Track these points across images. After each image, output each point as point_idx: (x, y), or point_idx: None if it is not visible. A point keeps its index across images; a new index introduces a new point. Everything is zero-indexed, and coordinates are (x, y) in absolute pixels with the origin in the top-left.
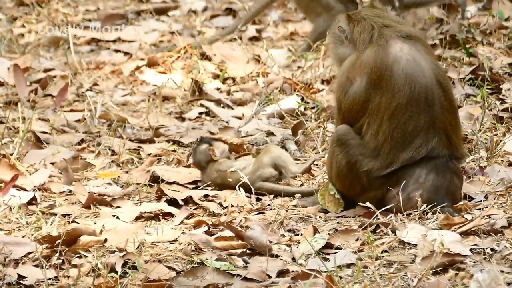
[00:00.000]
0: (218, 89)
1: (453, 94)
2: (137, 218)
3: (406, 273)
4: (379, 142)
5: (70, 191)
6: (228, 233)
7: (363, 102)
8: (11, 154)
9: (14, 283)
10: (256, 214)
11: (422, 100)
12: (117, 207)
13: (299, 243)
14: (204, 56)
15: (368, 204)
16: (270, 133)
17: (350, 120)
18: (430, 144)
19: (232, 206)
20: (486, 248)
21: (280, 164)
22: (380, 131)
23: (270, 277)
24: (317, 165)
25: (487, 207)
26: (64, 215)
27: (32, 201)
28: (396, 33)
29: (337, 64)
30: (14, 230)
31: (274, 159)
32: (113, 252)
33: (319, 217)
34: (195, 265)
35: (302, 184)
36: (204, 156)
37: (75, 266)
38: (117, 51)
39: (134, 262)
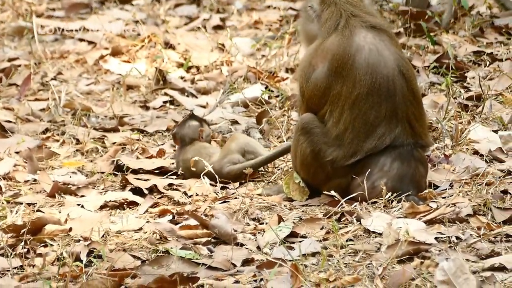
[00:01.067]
0: (182, 78)
1: (417, 84)
2: (101, 207)
3: (371, 261)
4: (340, 131)
5: (35, 180)
6: (193, 222)
7: (324, 89)
8: None
9: None
10: (221, 203)
11: (383, 90)
12: (82, 196)
13: (264, 231)
14: (168, 45)
15: (333, 192)
16: (235, 122)
17: (313, 108)
18: (394, 133)
19: (197, 195)
20: (451, 237)
21: (250, 150)
22: (341, 120)
23: (235, 266)
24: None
25: (452, 195)
26: (29, 204)
27: None
28: (362, 23)
29: (303, 40)
30: None
31: (242, 146)
32: (78, 241)
33: (284, 205)
34: (160, 254)
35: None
36: (192, 133)
37: (40, 255)
38: (81, 40)
39: (99, 251)
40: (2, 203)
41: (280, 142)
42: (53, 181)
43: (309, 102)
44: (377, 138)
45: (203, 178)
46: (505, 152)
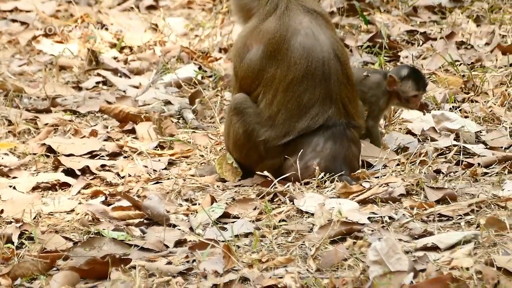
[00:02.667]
0: (115, 58)
1: (351, 68)
2: (34, 189)
3: (304, 242)
4: (273, 112)
5: None
6: (125, 203)
7: (258, 71)
8: None
9: None
10: (154, 183)
11: (318, 73)
12: (14, 177)
13: (197, 212)
14: (101, 26)
15: (266, 173)
16: (168, 102)
17: (247, 88)
18: (327, 113)
19: (130, 176)
20: (384, 217)
21: None
22: (274, 102)
23: (167, 247)
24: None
25: (385, 175)
26: None
27: None
28: (300, 7)
29: (239, 18)
30: None
31: None
32: (10, 223)
33: (217, 186)
34: (92, 236)
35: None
36: None
37: None
38: (13, 21)
39: (31, 233)
40: None
41: (213, 122)
42: None
43: (242, 83)
44: (310, 118)
45: (136, 159)
46: (438, 131)
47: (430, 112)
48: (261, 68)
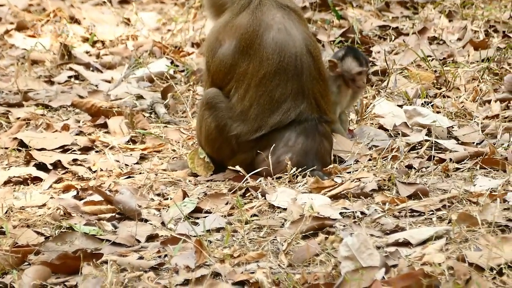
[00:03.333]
0: (87, 52)
1: (323, 63)
2: (5, 183)
3: (275, 237)
4: (245, 107)
5: None
6: (97, 197)
7: (230, 66)
8: None
9: None
10: (126, 178)
11: (291, 68)
12: None
13: (169, 207)
14: (73, 20)
15: (237, 167)
16: (140, 97)
17: (219, 83)
18: (299, 108)
19: (101, 170)
20: (356, 212)
21: None
22: (247, 96)
23: (139, 242)
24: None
25: (357, 170)
26: None
27: None
28: (273, 2)
29: (211, 12)
30: None
31: None
32: None
33: (189, 181)
34: (63, 230)
35: None
36: None
37: None
38: None
39: (2, 227)
40: None
41: (185, 117)
42: None
43: (214, 77)
44: (282, 113)
45: (108, 153)
46: (410, 126)
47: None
48: (234, 63)
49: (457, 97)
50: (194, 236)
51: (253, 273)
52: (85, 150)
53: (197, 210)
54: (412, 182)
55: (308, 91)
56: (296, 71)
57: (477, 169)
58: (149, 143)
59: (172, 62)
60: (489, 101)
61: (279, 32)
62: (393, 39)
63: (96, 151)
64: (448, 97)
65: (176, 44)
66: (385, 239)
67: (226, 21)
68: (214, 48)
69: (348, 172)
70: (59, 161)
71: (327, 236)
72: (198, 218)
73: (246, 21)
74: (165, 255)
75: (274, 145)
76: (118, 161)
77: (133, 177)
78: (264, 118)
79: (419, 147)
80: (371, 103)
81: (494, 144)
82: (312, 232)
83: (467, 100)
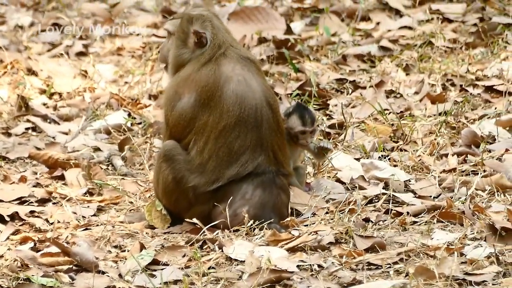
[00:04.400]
0: (44, 104)
1: (281, 115)
2: None
3: None
4: (204, 159)
5: None
6: (54, 249)
7: (190, 119)
8: None
9: None
10: (83, 230)
11: (251, 120)
12: None
13: (126, 259)
14: (31, 72)
15: (195, 220)
16: (97, 149)
17: (177, 136)
18: (257, 160)
19: (59, 222)
20: (313, 265)
21: None
22: (206, 149)
23: None
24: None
25: (314, 223)
26: None
27: None
28: (234, 54)
29: (173, 66)
30: None
31: None
32: None
33: (146, 233)
34: (21, 282)
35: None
36: None
37: None
38: None
39: None
40: None
41: (142, 169)
42: None
43: (173, 130)
44: (240, 165)
45: (65, 206)
46: (367, 180)
47: (327, 153)
48: (193, 116)
49: (414, 150)
50: None
51: None
52: (43, 202)
53: (155, 262)
54: (369, 235)
55: (266, 143)
56: (256, 123)
57: (434, 223)
58: (106, 195)
59: (129, 115)
60: (446, 155)
61: (239, 83)
62: (350, 92)
63: (54, 203)
64: (405, 150)
65: (134, 96)
66: None
67: (186, 74)
68: (173, 102)
69: (305, 225)
70: (17, 212)
71: None
72: (155, 270)
73: (207, 74)
74: None
75: (231, 197)
76: (75, 213)
77: (90, 229)
78: (221, 170)
79: (376, 200)
80: (328, 156)
81: (452, 198)
82: (269, 285)
83: (424, 153)
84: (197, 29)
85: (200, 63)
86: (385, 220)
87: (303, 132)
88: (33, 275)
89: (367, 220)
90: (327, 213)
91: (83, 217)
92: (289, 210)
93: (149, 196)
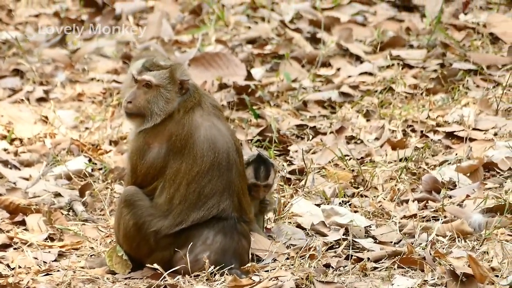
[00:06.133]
0: (5, 150)
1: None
2: None
3: None
4: (174, 205)
5: None
6: None
7: (161, 167)
8: None
9: None
10: (44, 275)
11: (223, 164)
12: None
13: None
14: None
15: (156, 265)
16: (58, 194)
17: (143, 183)
18: (222, 205)
19: (20, 267)
20: None
21: None
22: (176, 195)
23: None
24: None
25: (275, 268)
26: None
27: None
28: (208, 102)
29: (157, 116)
30: None
31: None
32: None
33: (107, 278)
34: None
35: None
36: None
37: None
38: None
39: None
40: None
41: (103, 215)
42: None
43: (140, 179)
44: (206, 209)
45: (26, 251)
46: (328, 225)
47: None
48: (164, 165)
49: (374, 196)
50: None
51: None
52: (4, 247)
53: None
54: (330, 281)
55: (234, 188)
56: (228, 166)
57: (395, 269)
58: (67, 241)
59: (90, 160)
60: (407, 201)
61: (209, 129)
62: (310, 138)
63: (15, 248)
64: (366, 196)
65: (94, 142)
66: None
67: (158, 125)
68: (142, 152)
69: (266, 271)
70: None
71: None
72: None
73: (178, 123)
74: None
75: (192, 243)
76: (36, 258)
77: (51, 274)
78: (187, 212)
79: (337, 246)
80: (289, 202)
81: (412, 244)
82: None
83: (385, 199)
84: (182, 78)
85: (181, 112)
86: (346, 266)
87: (255, 185)
88: None
89: (327, 266)
90: (287, 258)
91: (44, 262)
92: (250, 256)
93: (110, 242)
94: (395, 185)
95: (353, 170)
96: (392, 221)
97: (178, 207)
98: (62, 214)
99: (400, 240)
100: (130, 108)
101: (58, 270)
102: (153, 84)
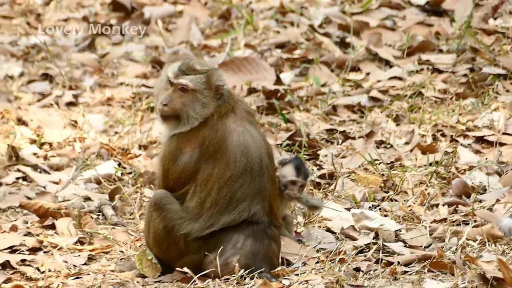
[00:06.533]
0: (35, 154)
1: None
2: None
3: None
4: (205, 209)
5: None
6: None
7: (192, 172)
8: None
9: None
10: (74, 279)
11: (256, 169)
12: None
13: None
14: (21, 121)
15: (185, 269)
16: (87, 198)
17: (174, 187)
18: (253, 209)
19: (50, 270)
20: None
21: None
22: (208, 199)
23: None
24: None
25: (305, 272)
26: None
27: None
28: (241, 108)
29: (193, 119)
30: None
31: None
32: None
33: (137, 282)
34: None
35: None
36: None
37: None
38: None
39: None
40: None
41: (133, 219)
42: None
43: (172, 183)
44: (237, 212)
45: (56, 255)
46: (358, 229)
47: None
48: (196, 170)
49: (404, 200)
50: None
51: None
52: (34, 250)
53: None
54: (360, 285)
55: (265, 193)
56: (260, 171)
57: (425, 272)
58: (97, 244)
59: (119, 164)
60: (437, 205)
61: (242, 134)
62: (340, 142)
63: (45, 252)
64: (396, 200)
65: (124, 146)
66: None
67: (191, 130)
68: (174, 156)
69: (296, 274)
70: (8, 261)
71: None
72: None
73: (210, 128)
74: None
75: (222, 246)
76: (66, 261)
77: (81, 277)
78: (218, 216)
79: (367, 250)
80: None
81: (442, 248)
82: None
83: (414, 203)
84: (218, 84)
85: (215, 117)
86: (376, 270)
87: (294, 182)
88: None
89: (357, 269)
90: (317, 262)
91: (74, 266)
92: (280, 260)
93: (139, 245)
94: (425, 189)
95: (383, 175)
96: (422, 225)
97: (209, 211)
98: (92, 218)
99: (430, 244)
100: (165, 111)
101: (88, 274)
102: (190, 88)
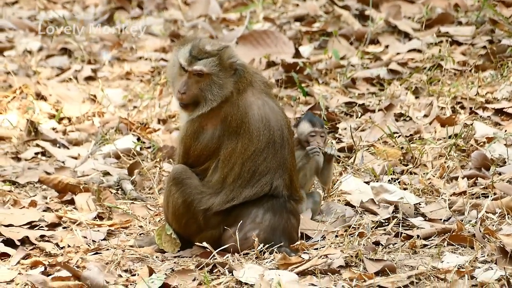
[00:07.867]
0: (54, 129)
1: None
2: None
3: None
4: (227, 184)
5: None
6: (65, 273)
7: (215, 149)
8: None
9: None
10: (93, 254)
11: (278, 142)
12: None
13: (136, 283)
14: (40, 96)
15: (205, 243)
16: (106, 173)
17: (194, 163)
18: (275, 182)
19: (69, 246)
20: None
21: None
22: (230, 174)
23: None
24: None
25: (324, 246)
26: None
27: None
28: (258, 81)
29: (215, 102)
30: None
31: None
32: None
33: (156, 257)
34: None
35: None
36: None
37: None
38: None
39: None
40: None
41: (152, 193)
42: None
43: (193, 159)
44: (259, 186)
45: (75, 230)
46: (377, 203)
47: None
48: (218, 146)
49: (424, 173)
50: None
51: None
52: (53, 226)
53: (165, 286)
54: (380, 259)
55: (287, 165)
56: (282, 143)
57: (444, 246)
58: (116, 219)
59: (138, 139)
60: (456, 178)
61: (262, 107)
62: (359, 115)
63: (64, 227)
64: (415, 173)
65: (143, 120)
66: None
67: (209, 108)
68: (196, 134)
69: (315, 249)
70: (27, 237)
71: None
72: None
73: (231, 104)
74: None
75: (241, 221)
76: (85, 237)
77: (100, 253)
78: (240, 190)
79: (386, 223)
80: (338, 180)
81: (462, 221)
82: None
83: (434, 176)
84: (231, 61)
85: (235, 94)
86: (395, 243)
87: (314, 133)
88: None
89: (377, 243)
90: (337, 236)
91: (93, 241)
92: (299, 234)
93: (159, 220)
94: (445, 162)
95: (402, 148)
96: (442, 198)
97: (232, 185)
98: (111, 193)
99: (450, 218)
100: (184, 99)
101: (107, 249)
102: (205, 72)
